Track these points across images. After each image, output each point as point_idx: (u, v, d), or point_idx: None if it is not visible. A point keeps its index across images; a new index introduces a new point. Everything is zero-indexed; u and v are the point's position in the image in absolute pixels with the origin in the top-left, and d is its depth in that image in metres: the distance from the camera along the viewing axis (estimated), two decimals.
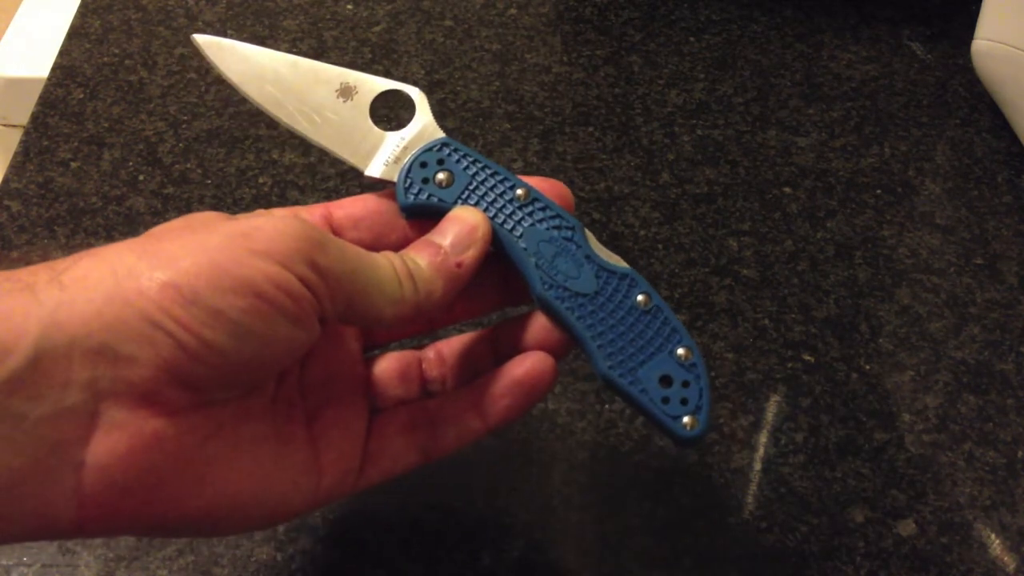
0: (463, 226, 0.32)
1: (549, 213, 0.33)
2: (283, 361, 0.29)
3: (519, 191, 0.33)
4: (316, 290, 0.28)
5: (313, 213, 0.34)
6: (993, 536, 0.39)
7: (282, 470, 0.30)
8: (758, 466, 0.41)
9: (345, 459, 0.32)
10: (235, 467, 0.29)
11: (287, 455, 0.30)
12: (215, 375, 0.27)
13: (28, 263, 0.27)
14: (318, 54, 0.58)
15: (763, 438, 0.42)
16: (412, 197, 0.33)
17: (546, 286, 0.32)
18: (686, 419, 0.31)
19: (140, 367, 0.26)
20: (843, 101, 0.57)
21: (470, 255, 0.32)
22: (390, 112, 0.37)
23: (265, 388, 0.31)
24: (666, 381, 0.32)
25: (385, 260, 0.31)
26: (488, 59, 0.58)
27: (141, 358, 0.26)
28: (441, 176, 0.33)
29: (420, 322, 0.35)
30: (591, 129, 0.55)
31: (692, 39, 0.60)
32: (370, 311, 0.30)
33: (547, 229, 0.33)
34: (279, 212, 0.32)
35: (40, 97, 0.56)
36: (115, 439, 0.26)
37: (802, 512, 0.39)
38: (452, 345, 0.35)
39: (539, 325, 0.33)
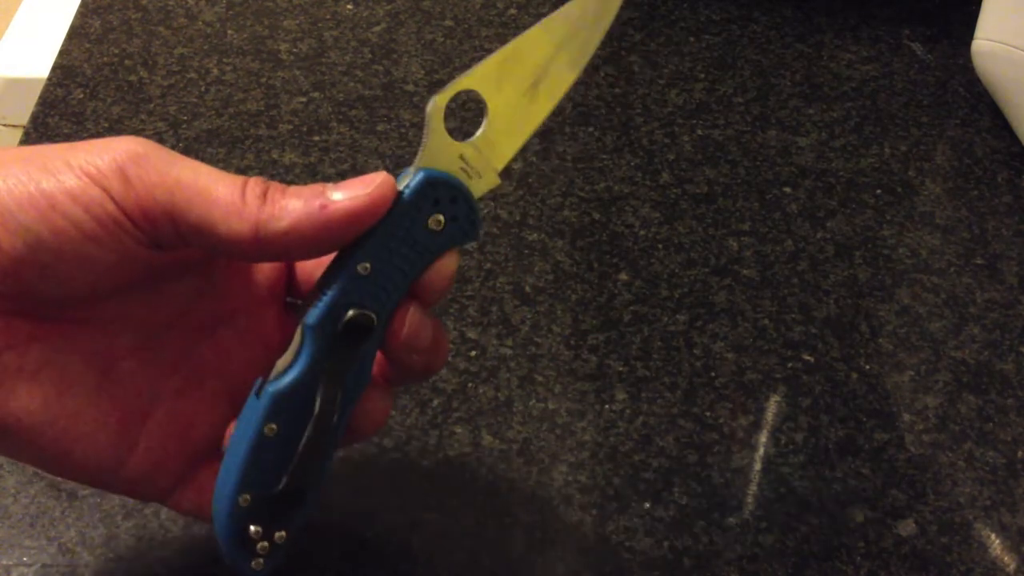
0: (357, 179, 0.29)
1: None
2: (89, 280, 0.29)
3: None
4: (126, 207, 0.28)
5: None
6: (993, 536, 0.39)
7: (83, 418, 0.30)
8: (758, 466, 0.41)
9: (165, 453, 0.32)
10: (34, 386, 0.29)
11: (97, 409, 0.30)
12: (12, 281, 0.28)
13: None
14: (318, 54, 0.58)
15: (763, 438, 0.42)
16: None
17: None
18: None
19: None
20: (843, 101, 0.57)
21: (341, 203, 0.28)
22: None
23: (116, 331, 0.31)
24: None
25: (234, 177, 0.29)
26: None
27: None
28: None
29: (271, 253, 0.30)
30: (591, 129, 0.55)
31: (692, 39, 0.60)
32: (201, 225, 0.28)
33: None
34: None
35: (40, 97, 0.56)
36: None
37: (802, 512, 0.39)
38: None
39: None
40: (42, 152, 0.28)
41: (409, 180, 0.30)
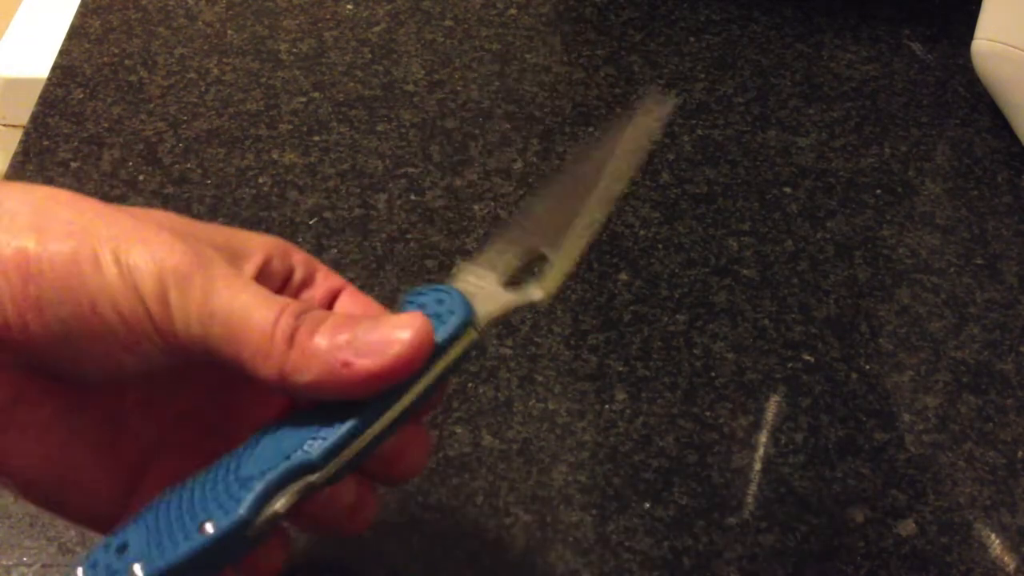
0: (387, 329, 0.27)
1: None
2: (110, 372, 0.28)
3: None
4: (160, 327, 0.27)
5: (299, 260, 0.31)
6: (993, 536, 0.39)
7: (84, 471, 0.29)
8: (758, 466, 0.41)
9: None
10: (40, 439, 0.28)
11: (100, 463, 0.30)
12: (31, 356, 0.27)
13: None
14: (318, 54, 0.58)
15: (763, 438, 0.42)
16: None
17: None
18: None
19: None
20: (843, 101, 0.57)
21: (364, 364, 0.27)
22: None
23: (124, 398, 0.30)
24: None
25: (272, 304, 0.27)
26: (488, 59, 0.58)
27: None
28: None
29: (299, 396, 0.29)
30: (591, 129, 0.55)
31: (692, 39, 0.60)
32: (231, 362, 0.27)
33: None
34: (262, 239, 0.30)
35: (40, 97, 0.56)
36: None
37: (802, 512, 0.39)
38: None
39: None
40: (94, 230, 0.27)
41: (462, 347, 0.29)
